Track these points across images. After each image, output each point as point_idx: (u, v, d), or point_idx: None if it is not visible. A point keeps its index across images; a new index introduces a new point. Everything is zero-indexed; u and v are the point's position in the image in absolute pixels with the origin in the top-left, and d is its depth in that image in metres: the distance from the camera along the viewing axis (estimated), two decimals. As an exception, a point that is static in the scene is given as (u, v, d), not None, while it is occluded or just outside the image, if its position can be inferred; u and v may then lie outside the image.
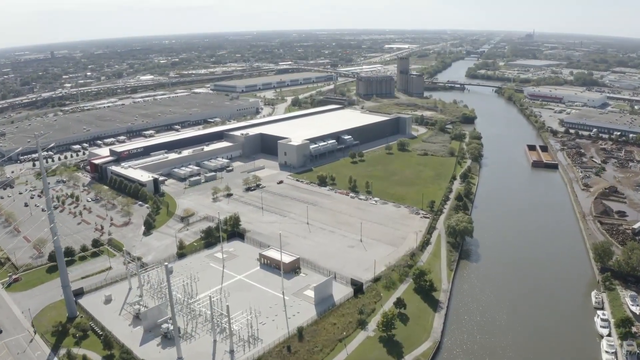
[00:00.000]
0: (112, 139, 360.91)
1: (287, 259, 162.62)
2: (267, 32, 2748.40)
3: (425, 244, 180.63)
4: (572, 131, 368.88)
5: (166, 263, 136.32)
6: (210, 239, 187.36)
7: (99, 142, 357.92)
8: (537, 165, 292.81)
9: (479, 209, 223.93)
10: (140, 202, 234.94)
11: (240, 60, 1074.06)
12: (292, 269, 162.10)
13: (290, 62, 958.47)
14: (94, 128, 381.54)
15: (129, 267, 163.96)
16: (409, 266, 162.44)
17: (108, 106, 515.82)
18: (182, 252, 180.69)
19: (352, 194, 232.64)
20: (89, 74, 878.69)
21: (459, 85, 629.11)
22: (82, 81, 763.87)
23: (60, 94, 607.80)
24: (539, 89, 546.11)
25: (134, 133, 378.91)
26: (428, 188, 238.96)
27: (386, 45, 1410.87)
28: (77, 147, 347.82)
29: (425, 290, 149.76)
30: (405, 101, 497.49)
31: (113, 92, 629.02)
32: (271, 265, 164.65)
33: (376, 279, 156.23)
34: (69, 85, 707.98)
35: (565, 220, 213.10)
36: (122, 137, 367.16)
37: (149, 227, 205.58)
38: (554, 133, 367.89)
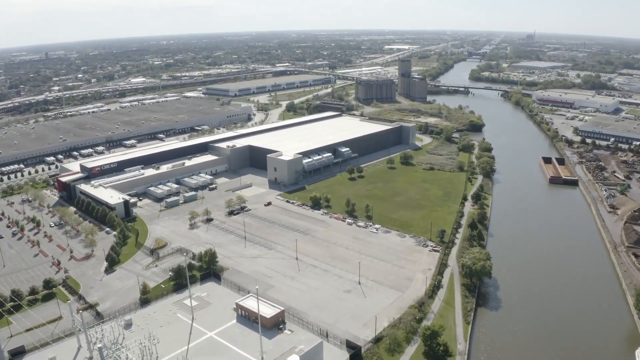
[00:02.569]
0: (89, 150, 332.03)
1: (269, 311, 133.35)
2: (266, 32, 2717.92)
3: (436, 287, 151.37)
4: (588, 141, 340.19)
5: (125, 317, 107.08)
6: (180, 279, 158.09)
7: (75, 153, 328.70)
8: (555, 181, 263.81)
9: (495, 238, 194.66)
10: (107, 229, 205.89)
11: (237, 61, 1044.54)
12: (275, 324, 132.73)
13: (287, 64, 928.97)
14: (71, 137, 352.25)
15: (79, 319, 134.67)
16: (417, 320, 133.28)
17: (94, 111, 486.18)
18: (146, 297, 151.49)
19: (349, 220, 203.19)
20: (80, 75, 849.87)
21: (463, 89, 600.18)
22: (71, 84, 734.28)
23: (45, 99, 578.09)
24: (548, 93, 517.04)
25: (113, 143, 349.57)
26: (436, 212, 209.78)
27: (386, 46, 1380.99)
28: (51, 159, 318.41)
29: (438, 356, 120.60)
30: (408, 106, 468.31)
31: (100, 96, 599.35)
32: (250, 318, 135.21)
33: (377, 339, 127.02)
34: (57, 88, 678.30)
35: (594, 252, 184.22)
36: (100, 148, 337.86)
37: (112, 262, 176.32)
38: (569, 143, 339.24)
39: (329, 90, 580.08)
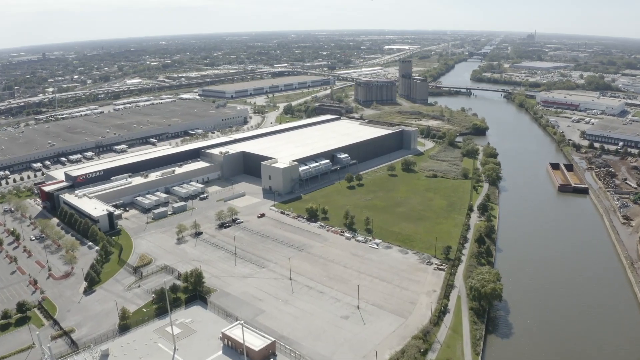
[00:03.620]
0: (77, 156, 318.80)
1: (258, 342, 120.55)
2: (265, 32, 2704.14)
3: (441, 312, 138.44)
4: (596, 145, 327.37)
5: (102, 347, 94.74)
6: (164, 302, 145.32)
7: (63, 159, 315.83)
8: (564, 189, 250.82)
9: (504, 254, 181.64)
10: (90, 243, 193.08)
11: (235, 62, 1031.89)
12: (265, 358, 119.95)
13: (286, 65, 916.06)
14: (60, 142, 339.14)
15: (47, 352, 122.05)
16: (422, 352, 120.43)
17: (86, 114, 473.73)
18: (126, 323, 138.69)
19: (347, 234, 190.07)
20: (75, 77, 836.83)
21: (465, 90, 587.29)
22: (65, 85, 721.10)
23: (38, 101, 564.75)
24: (553, 95, 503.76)
25: (103, 148, 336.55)
26: (441, 224, 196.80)
27: (386, 47, 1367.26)
28: (37, 165, 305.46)
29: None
30: (409, 109, 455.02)
31: (94, 98, 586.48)
32: (237, 350, 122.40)
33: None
34: (51, 90, 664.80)
35: (609, 269, 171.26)
36: (89, 153, 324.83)
37: (92, 282, 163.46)
38: (577, 147, 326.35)
39: (328, 91, 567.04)
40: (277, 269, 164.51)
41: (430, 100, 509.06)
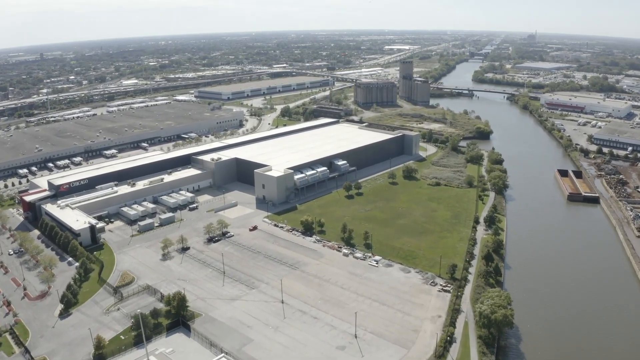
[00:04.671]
0: (65, 161, 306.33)
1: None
2: (265, 32, 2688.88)
3: (447, 342, 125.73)
4: (605, 150, 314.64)
5: None
6: (144, 329, 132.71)
7: (51, 164, 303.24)
8: (574, 198, 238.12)
9: (513, 272, 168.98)
10: (70, 259, 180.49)
11: (233, 62, 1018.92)
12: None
13: (285, 65, 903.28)
14: (48, 147, 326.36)
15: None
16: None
17: (79, 116, 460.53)
18: (101, 353, 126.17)
19: (345, 249, 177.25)
20: (72, 77, 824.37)
21: (467, 92, 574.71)
22: (60, 86, 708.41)
23: (32, 102, 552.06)
24: (557, 97, 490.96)
25: (92, 153, 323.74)
26: (445, 239, 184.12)
27: (386, 47, 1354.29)
28: (24, 171, 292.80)
29: None
30: (410, 111, 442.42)
31: (89, 100, 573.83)
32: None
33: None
34: (45, 91, 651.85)
35: (627, 290, 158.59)
36: (77, 159, 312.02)
37: (69, 304, 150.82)
38: (585, 153, 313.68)
39: (327, 93, 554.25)
40: (268, 290, 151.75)
41: (432, 101, 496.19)
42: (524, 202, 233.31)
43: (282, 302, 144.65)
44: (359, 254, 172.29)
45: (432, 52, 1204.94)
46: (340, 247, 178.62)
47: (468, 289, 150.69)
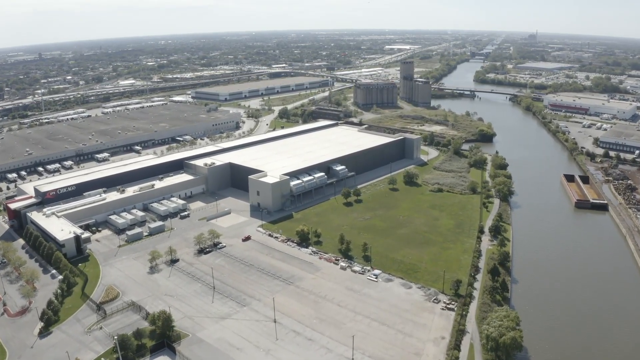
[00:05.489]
0: (56, 165, 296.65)
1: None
2: (265, 32, 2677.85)
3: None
4: (612, 154, 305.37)
5: None
6: (126, 351, 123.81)
7: (40, 169, 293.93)
8: (582, 205, 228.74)
9: (520, 286, 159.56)
10: (54, 271, 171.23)
11: (232, 62, 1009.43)
12: None
13: (284, 65, 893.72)
14: (38, 150, 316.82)
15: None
16: None
17: (73, 118, 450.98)
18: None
19: (343, 262, 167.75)
20: (68, 77, 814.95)
21: (469, 92, 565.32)
22: (56, 87, 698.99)
23: (27, 103, 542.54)
24: (561, 98, 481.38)
25: (84, 157, 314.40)
26: (448, 250, 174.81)
27: (386, 46, 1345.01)
28: (13, 176, 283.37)
29: None
30: (411, 113, 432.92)
31: (84, 100, 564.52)
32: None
33: None
34: (41, 91, 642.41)
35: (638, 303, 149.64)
36: (68, 163, 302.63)
37: (49, 321, 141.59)
38: (591, 157, 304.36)
39: (326, 94, 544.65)
40: (260, 307, 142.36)
41: (433, 102, 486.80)
42: (530, 210, 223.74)
43: (275, 322, 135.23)
44: (357, 267, 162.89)
45: (433, 52, 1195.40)
46: (338, 260, 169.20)
47: (473, 307, 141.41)
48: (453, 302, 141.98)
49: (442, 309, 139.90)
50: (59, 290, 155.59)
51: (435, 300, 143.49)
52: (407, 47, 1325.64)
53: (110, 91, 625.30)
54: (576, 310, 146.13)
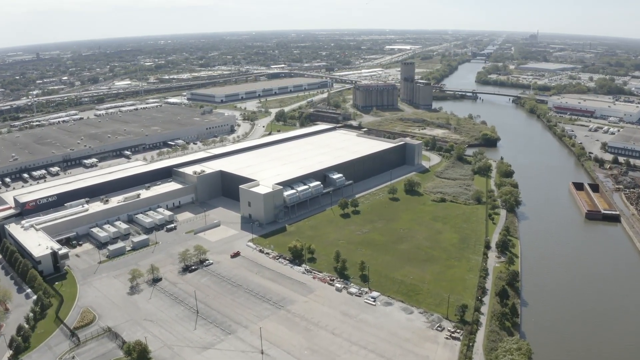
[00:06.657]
0: (42, 171, 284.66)
1: None
2: (265, 32, 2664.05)
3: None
4: (621, 160, 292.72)
5: None
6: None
7: (26, 175, 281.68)
8: (593, 216, 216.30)
9: (530, 309, 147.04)
10: (29, 291, 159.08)
11: (231, 62, 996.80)
12: None
13: (283, 65, 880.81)
14: (24, 155, 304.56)
15: None
16: None
17: (64, 120, 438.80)
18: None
19: (338, 283, 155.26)
20: (64, 78, 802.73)
21: (471, 94, 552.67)
22: (51, 87, 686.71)
23: (20, 105, 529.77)
24: (566, 100, 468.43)
25: (71, 162, 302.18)
26: (452, 268, 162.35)
27: (387, 46, 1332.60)
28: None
29: None
30: (412, 115, 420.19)
31: (78, 102, 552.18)
32: None
33: None
34: (35, 93, 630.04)
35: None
36: (55, 169, 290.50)
37: (18, 349, 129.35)
38: (600, 162, 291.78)
39: (325, 95, 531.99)
40: (247, 336, 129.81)
41: (434, 105, 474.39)
42: (539, 222, 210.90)
43: (262, 353, 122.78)
44: (353, 289, 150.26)
45: (434, 52, 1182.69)
46: (333, 280, 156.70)
47: (480, 335, 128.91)
48: (458, 330, 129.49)
49: (447, 337, 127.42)
50: (30, 314, 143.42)
51: (439, 328, 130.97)
52: (408, 47, 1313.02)
53: (105, 92, 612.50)
54: (594, 340, 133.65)
